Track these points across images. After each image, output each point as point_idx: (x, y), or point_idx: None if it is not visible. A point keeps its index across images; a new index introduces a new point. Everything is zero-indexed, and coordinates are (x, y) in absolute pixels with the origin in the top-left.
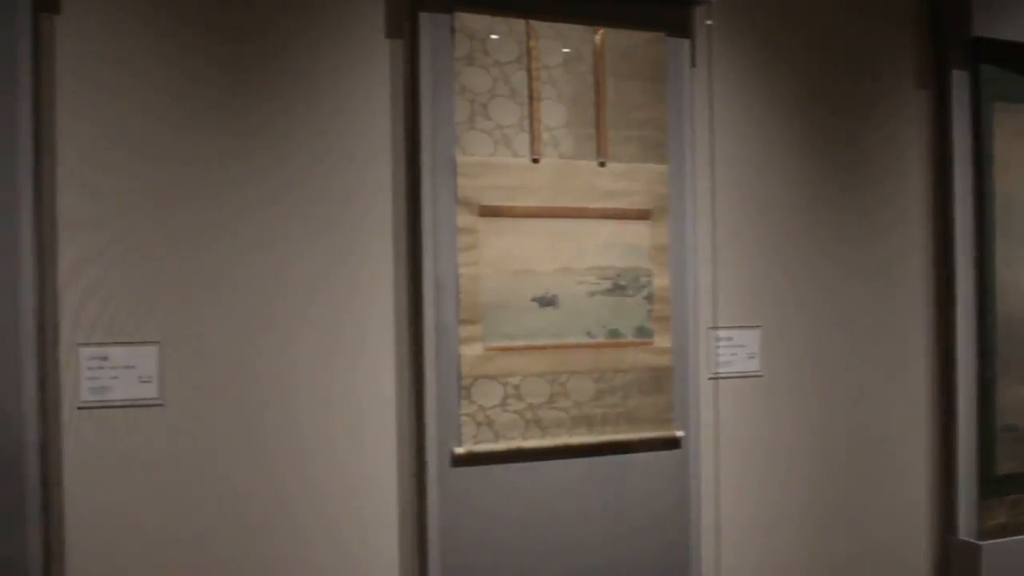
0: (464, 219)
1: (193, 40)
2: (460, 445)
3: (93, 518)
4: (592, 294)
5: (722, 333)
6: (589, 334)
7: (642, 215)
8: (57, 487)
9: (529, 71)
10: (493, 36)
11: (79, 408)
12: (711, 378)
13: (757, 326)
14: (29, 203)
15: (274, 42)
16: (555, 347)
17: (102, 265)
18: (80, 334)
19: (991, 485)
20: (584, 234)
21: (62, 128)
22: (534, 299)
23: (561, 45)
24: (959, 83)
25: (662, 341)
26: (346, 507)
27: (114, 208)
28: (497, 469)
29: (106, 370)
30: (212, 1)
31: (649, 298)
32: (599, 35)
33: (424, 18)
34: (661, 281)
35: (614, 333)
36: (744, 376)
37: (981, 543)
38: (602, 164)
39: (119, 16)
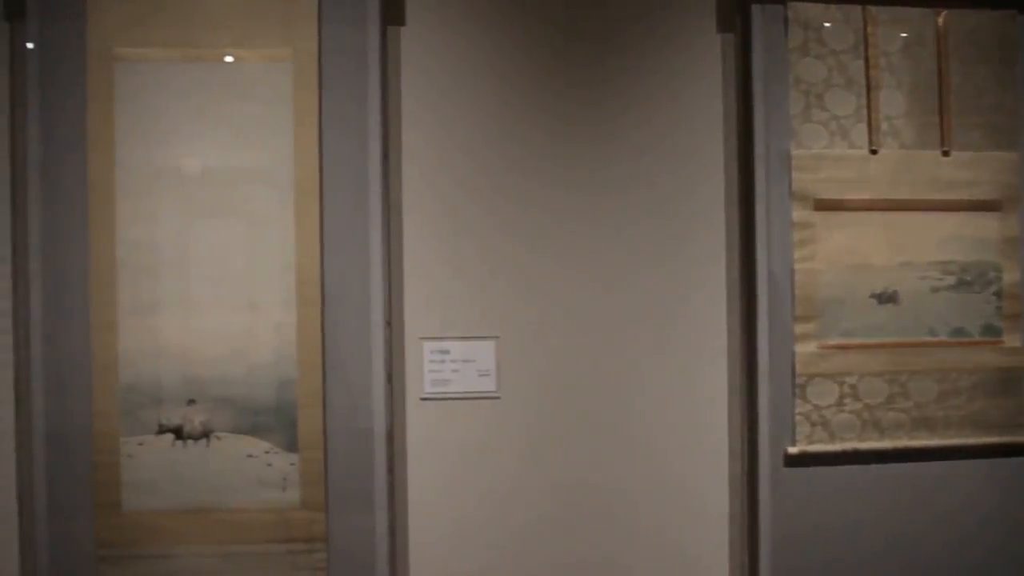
0: (799, 213)
1: (529, 46)
2: (793, 445)
3: (433, 502)
4: (935, 290)
5: None
6: (931, 332)
7: (989, 206)
8: (401, 472)
9: (866, 59)
10: (827, 24)
11: (422, 399)
12: None
13: None
14: (378, 205)
15: (607, 44)
16: (894, 345)
17: (444, 263)
18: (423, 329)
19: None
20: (926, 227)
21: (407, 133)
22: (872, 295)
23: (900, 30)
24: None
25: (1012, 340)
26: (676, 503)
27: (456, 208)
28: (831, 470)
29: (447, 364)
30: (546, 8)
31: (998, 294)
32: (941, 17)
33: (756, 10)
34: (1011, 276)
35: (959, 331)
36: None
37: None
38: (946, 153)
39: (460, 27)
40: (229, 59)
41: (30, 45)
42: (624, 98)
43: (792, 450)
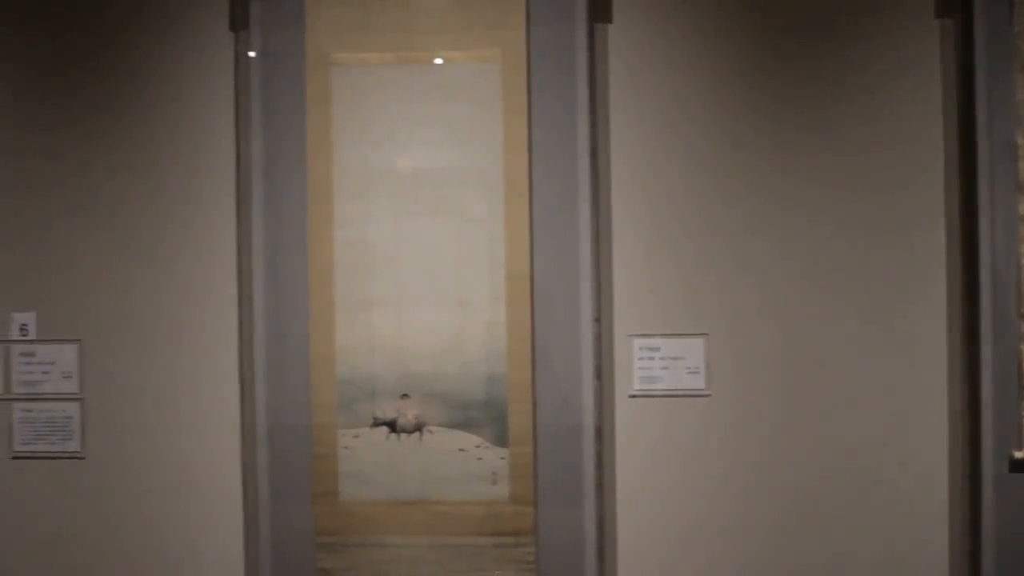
0: None
1: (737, 39)
2: (1020, 449)
3: (641, 499)
4: None
5: None
6: None
7: None
8: (610, 468)
9: None
10: None
11: (631, 396)
12: None
13: None
14: (587, 202)
15: (818, 33)
16: None
17: (653, 259)
18: (633, 326)
19: None
20: None
21: (615, 131)
22: None
23: None
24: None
25: None
26: (891, 506)
27: (664, 205)
28: None
29: (656, 361)
30: (760, 4)
31: None
32: None
33: None
34: None
35: None
36: None
37: None
38: None
39: (667, 22)
40: (439, 61)
41: (252, 54)
42: (837, 88)
43: (1018, 454)
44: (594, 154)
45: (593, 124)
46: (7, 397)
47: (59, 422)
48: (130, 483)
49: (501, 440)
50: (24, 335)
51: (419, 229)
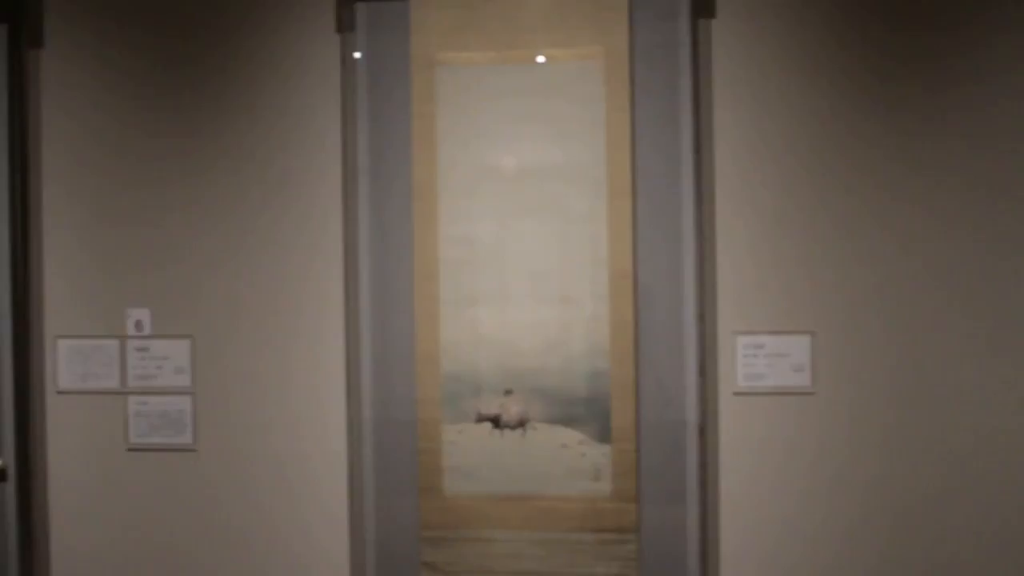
0: None
1: (845, 34)
2: None
3: (745, 497)
4: None
5: None
6: None
7: None
8: (713, 466)
9: None
10: None
11: (735, 393)
12: None
13: None
14: (690, 199)
15: (928, 26)
16: None
17: (758, 256)
18: (737, 322)
19: None
20: None
21: (719, 127)
22: None
23: None
24: None
25: None
26: (1002, 508)
27: (769, 201)
28: None
29: (760, 358)
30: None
31: None
32: None
33: None
34: None
35: None
36: None
37: None
38: None
39: (771, 17)
40: (541, 59)
41: (357, 55)
42: (951, 82)
43: None
44: (698, 150)
45: (697, 120)
46: (123, 391)
47: (172, 415)
48: (239, 476)
49: (604, 436)
50: (139, 331)
51: (522, 227)
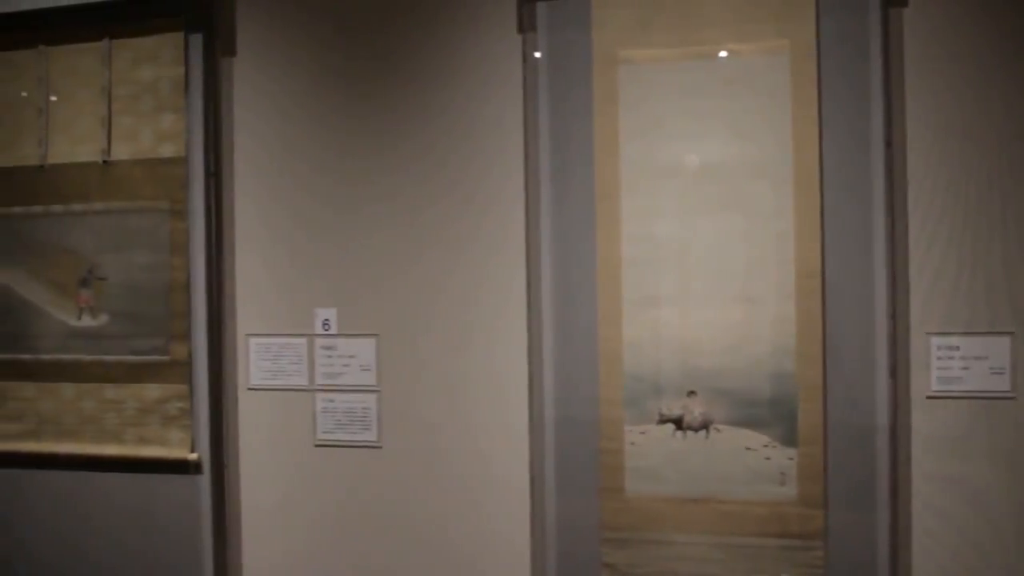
0: None
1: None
2: None
3: (938, 504)
4: None
5: None
6: None
7: None
8: (905, 472)
9: None
10: None
11: (928, 397)
12: None
13: None
14: (881, 196)
15: None
16: None
17: (952, 253)
18: (930, 323)
19: None
20: None
21: (911, 121)
22: None
23: None
24: None
25: None
26: None
27: (963, 196)
28: None
29: (956, 360)
30: None
31: None
32: None
33: None
34: None
35: None
36: None
37: None
38: None
39: (967, 4)
40: (723, 54)
41: (537, 54)
42: None
43: None
44: (889, 145)
45: (888, 114)
46: (311, 388)
47: (358, 412)
48: (422, 473)
49: (789, 440)
50: (326, 330)
51: (706, 225)
